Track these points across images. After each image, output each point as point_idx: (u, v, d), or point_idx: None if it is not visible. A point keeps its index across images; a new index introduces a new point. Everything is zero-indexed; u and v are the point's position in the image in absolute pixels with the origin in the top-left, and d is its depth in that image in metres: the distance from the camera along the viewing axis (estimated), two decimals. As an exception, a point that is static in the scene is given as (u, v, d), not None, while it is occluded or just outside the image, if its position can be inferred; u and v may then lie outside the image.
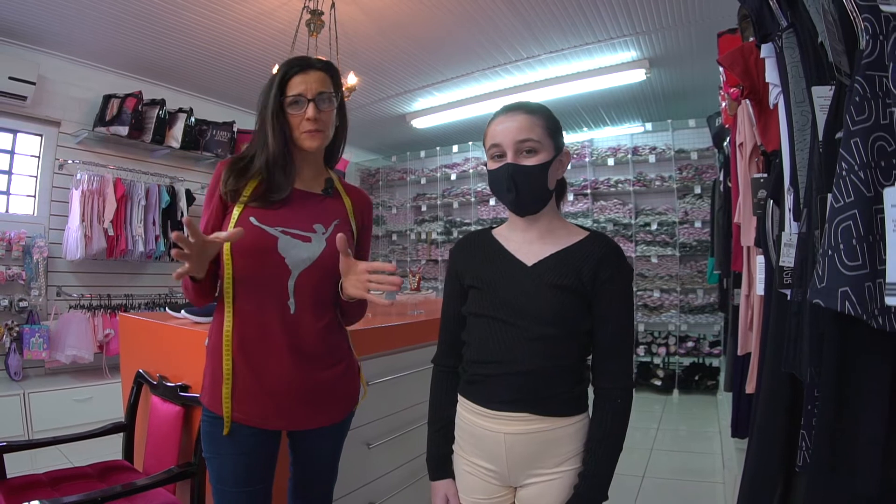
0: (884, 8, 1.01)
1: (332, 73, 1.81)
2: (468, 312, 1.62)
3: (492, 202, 8.37)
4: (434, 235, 8.98)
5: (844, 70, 1.21)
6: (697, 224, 7.09)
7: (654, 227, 7.36)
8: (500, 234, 1.67)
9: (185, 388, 2.53)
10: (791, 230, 1.69)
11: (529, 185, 1.53)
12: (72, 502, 2.06)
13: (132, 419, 2.91)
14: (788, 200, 1.70)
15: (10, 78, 5.13)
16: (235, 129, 6.79)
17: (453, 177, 8.85)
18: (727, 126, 4.70)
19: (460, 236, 8.51)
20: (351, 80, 4.91)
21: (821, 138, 1.30)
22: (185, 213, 6.21)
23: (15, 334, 5.19)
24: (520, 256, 1.59)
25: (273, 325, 1.70)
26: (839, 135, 1.16)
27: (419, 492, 3.02)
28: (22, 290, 5.34)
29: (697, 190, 7.15)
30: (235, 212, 1.69)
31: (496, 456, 1.54)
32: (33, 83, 5.28)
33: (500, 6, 4.91)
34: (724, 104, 4.61)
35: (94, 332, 5.58)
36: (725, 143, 3.95)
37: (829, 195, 1.11)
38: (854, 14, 1.08)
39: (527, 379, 1.50)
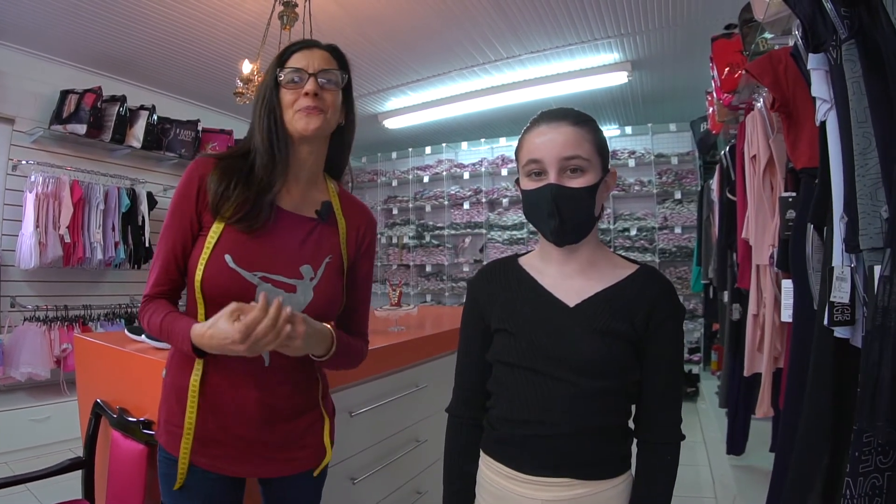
0: None
1: (339, 56, 1.59)
2: (496, 360, 1.40)
3: (465, 205, 8.27)
4: (406, 239, 8.86)
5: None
6: (677, 230, 7.03)
7: (633, 232, 7.27)
8: (530, 265, 1.46)
9: (148, 424, 2.26)
10: (843, 262, 1.54)
11: (575, 211, 1.31)
12: None
13: (91, 455, 2.66)
14: (840, 229, 1.54)
15: (-38, 73, 4.89)
16: (200, 128, 6.58)
17: (426, 179, 8.71)
18: (715, 132, 4.58)
19: (433, 241, 8.44)
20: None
21: None
22: (146, 218, 5.97)
23: (-34, 349, 4.91)
24: (559, 295, 1.37)
25: (245, 377, 1.47)
26: None
27: None
28: (-27, 300, 5.05)
29: (678, 195, 7.10)
30: (211, 236, 1.44)
31: None
32: (-14, 77, 5.02)
33: (485, 3, 4.77)
34: (711, 109, 4.49)
35: (51, 347, 5.31)
36: (725, 152, 3.82)
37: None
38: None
39: (571, 441, 1.30)
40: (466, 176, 8.37)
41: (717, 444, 4.39)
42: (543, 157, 1.31)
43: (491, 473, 1.40)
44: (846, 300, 1.52)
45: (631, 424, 1.41)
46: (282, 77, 1.48)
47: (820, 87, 1.61)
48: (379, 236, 8.77)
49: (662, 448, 1.35)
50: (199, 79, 6.44)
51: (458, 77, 6.56)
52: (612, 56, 5.87)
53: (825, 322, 1.59)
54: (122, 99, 5.88)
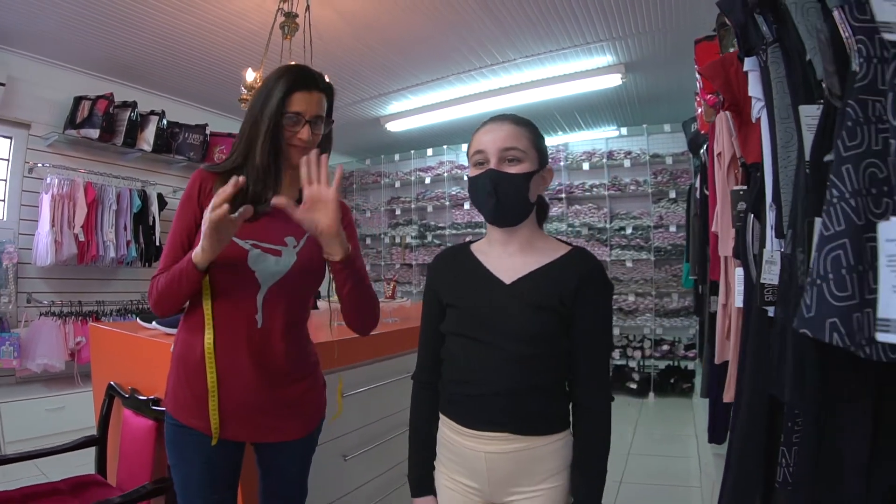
0: (886, 36, 1.00)
1: (330, 95, 1.83)
2: (446, 331, 1.60)
3: (466, 206, 8.38)
4: (408, 239, 8.97)
5: (836, 92, 1.20)
6: (672, 228, 7.14)
7: (628, 231, 7.40)
8: (478, 249, 1.66)
9: (157, 401, 2.49)
10: (772, 247, 1.70)
11: (511, 193, 1.51)
12: None
13: (104, 432, 2.87)
14: (770, 217, 1.70)
15: (-22, 79, 5.06)
16: (208, 132, 6.75)
17: (427, 180, 8.85)
18: (703, 132, 4.73)
19: (435, 240, 8.59)
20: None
21: (808, 158, 1.30)
22: (156, 218, 6.17)
23: (-16, 342, 5.09)
24: (498, 274, 1.57)
25: (239, 337, 1.68)
26: (829, 157, 1.15)
27: (397, 502, 3.02)
28: (-9, 296, 5.25)
29: (672, 194, 7.21)
30: None
31: (478, 474, 1.53)
32: (2, 84, 5.25)
33: (477, 10, 4.91)
34: (700, 110, 4.63)
35: (66, 340, 5.50)
36: (703, 150, 3.97)
37: (818, 221, 1.09)
38: (847, 35, 1.07)
39: (507, 400, 1.48)
40: (467, 177, 8.40)
41: (704, 435, 4.58)
42: (486, 147, 1.52)
43: (446, 429, 1.60)
44: (776, 282, 1.67)
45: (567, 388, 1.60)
46: (284, 119, 1.70)
47: (754, 87, 1.77)
48: (382, 236, 8.93)
49: (591, 411, 1.53)
50: (206, 84, 6.60)
51: (456, 81, 6.70)
52: (606, 59, 6.00)
53: (757, 303, 1.76)
54: (133, 104, 6.06)
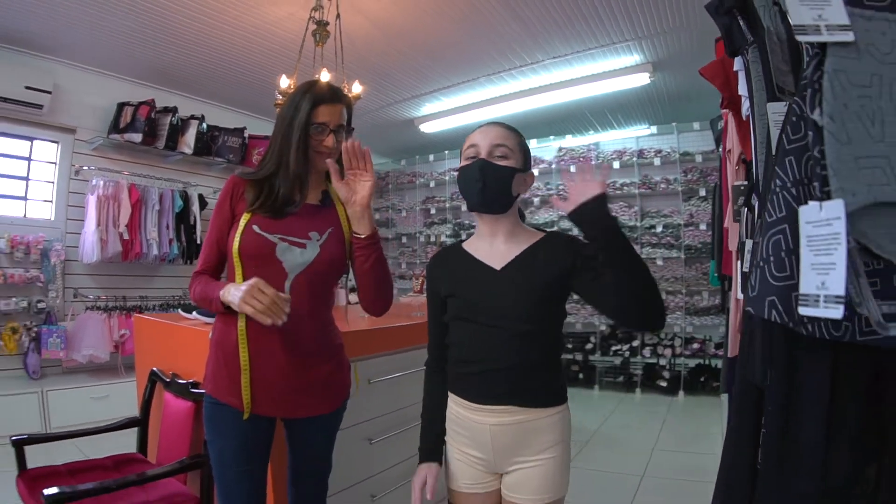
0: (799, 38, 1.10)
1: (349, 106, 2.01)
2: (449, 318, 1.75)
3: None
4: (443, 238, 9.04)
5: (789, 90, 1.29)
6: (702, 226, 7.16)
7: (659, 229, 7.44)
8: (468, 245, 1.82)
9: (196, 384, 2.68)
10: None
11: (496, 182, 1.66)
12: (87, 489, 2.22)
13: (146, 414, 3.07)
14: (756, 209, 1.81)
15: (27, 87, 5.32)
16: (247, 135, 6.97)
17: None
18: (727, 129, 4.78)
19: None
20: (356, 88, 5.05)
21: (774, 153, 1.40)
22: (197, 218, 6.43)
23: (33, 334, 5.38)
24: (489, 262, 1.72)
25: (271, 326, 1.84)
26: None
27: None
28: (40, 291, 5.52)
29: (702, 192, 7.22)
30: (242, 221, 1.86)
31: (483, 445, 1.66)
32: (49, 92, 5.46)
33: (503, 14, 5.03)
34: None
35: (110, 333, 5.76)
36: (719, 148, 4.05)
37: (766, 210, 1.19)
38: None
39: (507, 374, 1.62)
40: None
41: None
42: (479, 142, 1.69)
43: (454, 406, 1.74)
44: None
45: (559, 359, 1.75)
46: (312, 129, 1.89)
47: (742, 86, 1.86)
48: (418, 235, 9.07)
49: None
50: (243, 89, 6.82)
51: (486, 83, 6.82)
52: (633, 58, 6.06)
53: (740, 292, 1.85)
54: (174, 109, 6.32)
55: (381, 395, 2.95)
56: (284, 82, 4.70)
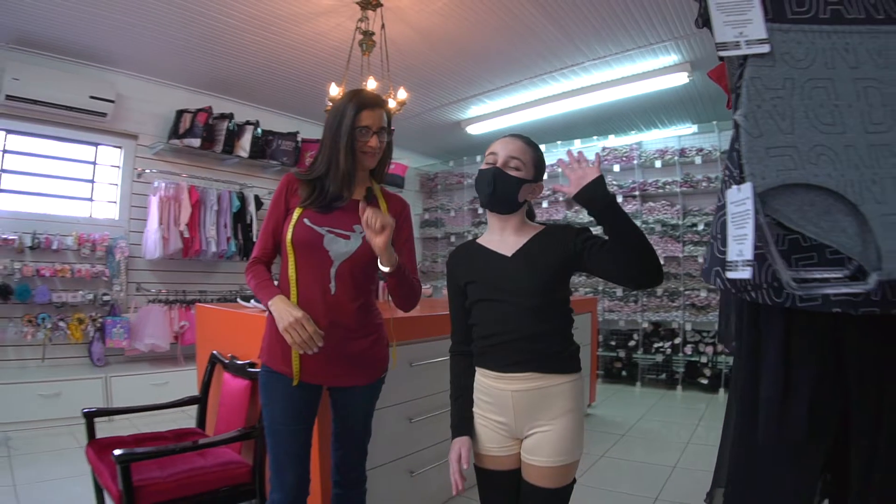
0: (720, 53, 1.32)
1: (388, 112, 2.26)
2: (472, 301, 1.97)
3: (545, 204, 8.59)
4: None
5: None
6: (743, 224, 7.11)
7: (700, 227, 7.46)
8: (482, 240, 2.05)
9: (252, 364, 2.96)
10: None
11: (504, 188, 1.90)
12: (150, 451, 2.53)
13: (206, 393, 3.37)
14: None
15: (92, 97, 5.71)
16: (300, 139, 7.26)
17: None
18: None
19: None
20: (401, 94, 5.32)
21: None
22: (253, 217, 6.76)
23: (98, 325, 5.76)
24: (500, 251, 1.96)
25: (317, 302, 2.11)
26: None
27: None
28: (105, 285, 5.91)
29: (744, 191, 7.18)
30: (295, 214, 2.15)
31: (506, 410, 1.87)
32: (112, 101, 5.86)
33: (540, 19, 5.20)
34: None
35: (171, 324, 6.10)
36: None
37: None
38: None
39: (524, 342, 1.84)
40: (545, 177, 8.58)
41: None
42: (498, 151, 1.93)
43: (481, 377, 1.96)
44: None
45: (570, 330, 1.95)
46: (357, 130, 2.15)
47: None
48: (466, 234, 9.29)
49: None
50: (296, 95, 7.13)
51: (529, 85, 6.99)
52: (671, 58, 6.14)
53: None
54: (230, 116, 6.65)
55: (421, 378, 3.18)
56: (334, 90, 4.98)
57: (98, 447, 2.88)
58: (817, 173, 1.22)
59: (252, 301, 3.35)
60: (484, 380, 1.94)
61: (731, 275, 1.22)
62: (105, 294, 5.86)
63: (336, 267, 2.14)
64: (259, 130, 6.93)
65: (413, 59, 6.08)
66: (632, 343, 7.80)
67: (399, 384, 2.98)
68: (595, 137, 8.34)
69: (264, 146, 7.06)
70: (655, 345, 7.64)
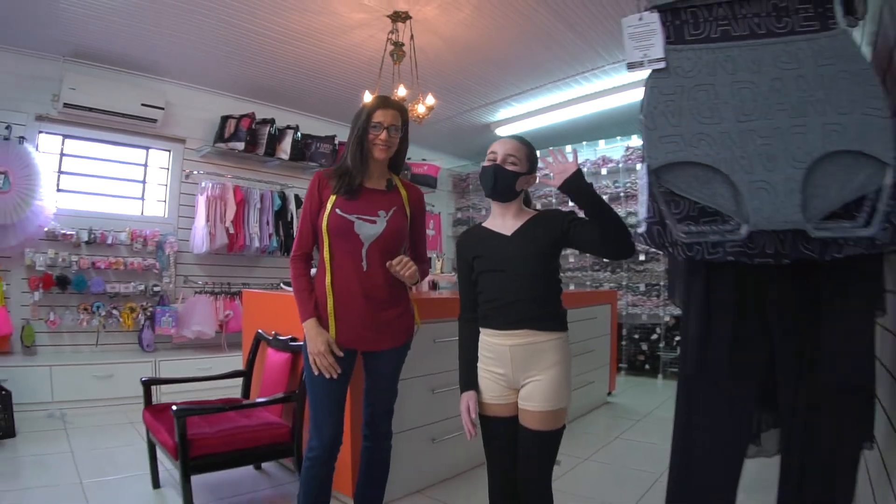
0: (630, 70, 1.73)
1: (403, 112, 2.63)
2: (478, 272, 2.32)
3: (570, 203, 8.70)
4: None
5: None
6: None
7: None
8: (486, 223, 2.40)
9: (294, 339, 3.36)
10: None
11: (503, 182, 2.26)
12: (201, 407, 2.95)
13: (250, 367, 3.75)
14: None
15: (143, 104, 6.13)
16: (337, 142, 7.59)
17: (536, 180, 9.20)
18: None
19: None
20: (429, 100, 5.70)
21: None
22: (294, 215, 7.16)
23: (148, 313, 6.19)
24: (501, 231, 2.32)
25: (352, 278, 2.50)
26: None
27: (474, 477, 3.72)
28: (155, 277, 6.36)
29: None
30: (329, 204, 2.51)
31: (504, 363, 2.22)
32: (162, 108, 6.29)
33: (557, 25, 5.46)
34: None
35: (216, 313, 6.49)
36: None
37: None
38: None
39: (520, 304, 2.19)
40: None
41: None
42: (497, 150, 2.29)
43: (484, 336, 2.31)
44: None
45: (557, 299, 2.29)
46: (370, 125, 2.53)
47: None
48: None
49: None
50: (333, 101, 7.50)
51: (553, 88, 7.25)
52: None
53: None
54: (272, 121, 7.06)
55: (443, 354, 3.49)
56: (367, 97, 5.33)
57: (154, 410, 3.32)
58: (697, 154, 1.62)
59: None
60: (487, 338, 2.28)
61: (639, 230, 1.59)
62: (155, 285, 6.29)
63: (366, 247, 2.51)
64: (299, 134, 7.25)
65: (441, 67, 6.40)
66: (654, 337, 7.97)
67: (423, 358, 3.33)
68: (619, 138, 8.49)
69: (304, 149, 7.41)
70: (677, 338, 7.70)
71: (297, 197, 7.33)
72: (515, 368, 2.20)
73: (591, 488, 3.66)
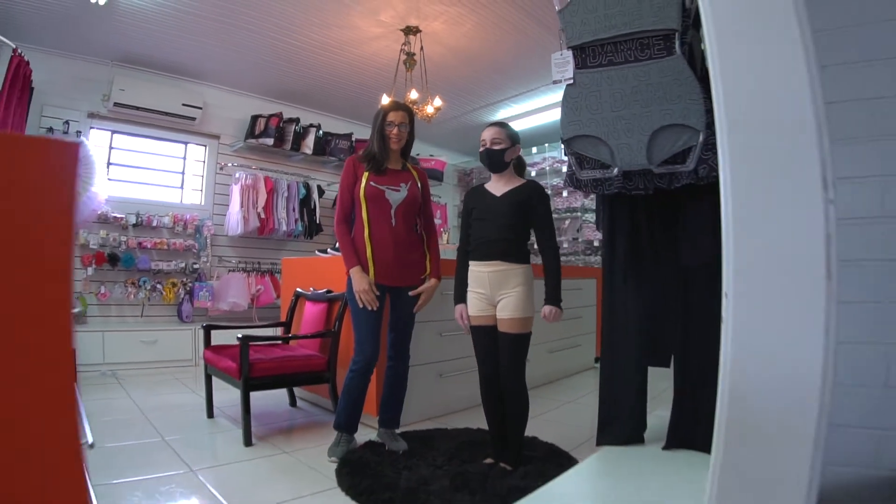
0: (554, 84, 2.56)
1: (410, 113, 3.44)
2: (473, 219, 3.13)
3: (564, 194, 9.15)
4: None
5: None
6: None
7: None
8: (486, 186, 3.19)
9: (329, 291, 4.09)
10: None
11: (495, 158, 3.06)
12: (260, 336, 3.72)
13: (290, 318, 4.47)
14: None
15: (183, 104, 6.84)
16: (354, 139, 8.26)
17: (533, 173, 9.53)
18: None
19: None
20: (437, 102, 6.45)
21: None
22: (317, 203, 7.83)
23: (188, 289, 6.89)
24: (494, 192, 3.11)
25: (385, 230, 3.30)
26: None
27: (474, 413, 4.25)
28: (194, 257, 7.04)
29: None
30: (364, 179, 3.30)
31: (484, 285, 3.04)
32: (200, 108, 7.02)
33: (548, 38, 6.04)
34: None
35: (249, 288, 7.12)
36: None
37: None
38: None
39: (497, 244, 3.01)
40: (565, 169, 8.71)
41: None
42: (485, 137, 3.09)
43: (473, 266, 3.11)
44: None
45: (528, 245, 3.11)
46: (386, 125, 3.35)
47: None
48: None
49: (546, 252, 3.04)
50: (351, 103, 8.16)
51: (546, 91, 7.85)
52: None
53: None
54: (297, 120, 7.74)
55: (450, 304, 3.83)
56: (385, 99, 6.06)
57: (213, 349, 4.03)
58: (589, 130, 2.56)
59: (329, 250, 4.48)
60: (473, 268, 3.09)
61: (585, 175, 2.45)
62: (194, 263, 6.95)
63: (394, 209, 3.31)
64: (321, 132, 8.05)
65: (447, 73, 7.09)
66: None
67: (433, 307, 3.89)
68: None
69: (325, 145, 8.14)
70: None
71: (319, 187, 7.96)
72: (492, 288, 3.00)
73: (570, 418, 4.30)
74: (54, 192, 1.12)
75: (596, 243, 8.59)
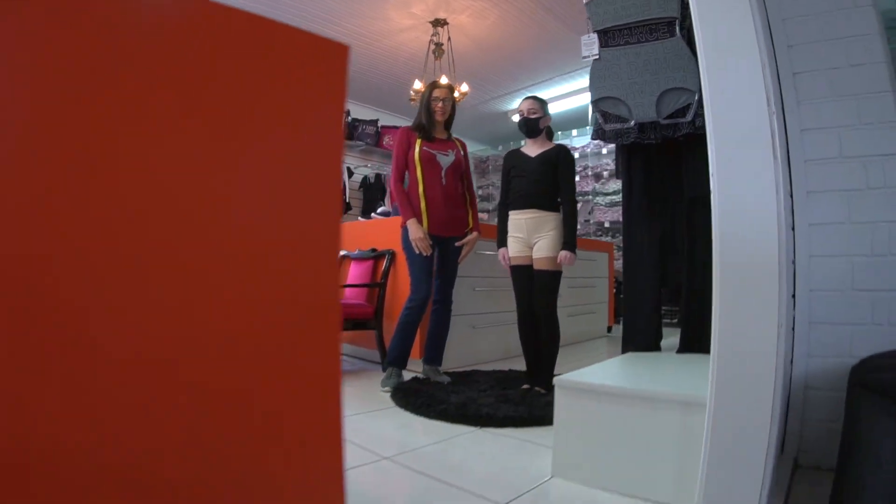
0: (584, 59, 3.10)
1: (451, 91, 3.92)
2: (511, 177, 3.62)
3: (577, 178, 9.26)
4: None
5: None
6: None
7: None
8: (523, 149, 3.68)
9: (374, 249, 4.59)
10: None
11: (531, 125, 3.53)
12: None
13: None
14: None
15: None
16: (379, 125, 8.74)
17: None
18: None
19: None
20: (464, 87, 6.95)
21: None
22: (346, 183, 8.31)
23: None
24: (529, 153, 3.59)
25: (436, 188, 3.77)
26: None
27: (505, 363, 4.62)
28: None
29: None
30: (417, 145, 3.78)
31: (522, 229, 3.51)
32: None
33: (565, 31, 6.70)
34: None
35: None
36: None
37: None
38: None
39: (533, 196, 3.48)
40: (577, 155, 9.42)
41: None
42: (523, 108, 3.54)
43: (511, 215, 3.58)
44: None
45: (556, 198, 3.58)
46: (432, 100, 3.83)
47: None
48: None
49: (565, 204, 3.52)
50: (378, 91, 8.66)
51: (560, 80, 8.47)
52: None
53: None
54: (329, 106, 8.30)
55: (483, 262, 4.63)
56: (417, 84, 6.70)
57: None
58: (611, 93, 3.07)
59: (372, 214, 4.96)
60: (512, 216, 3.57)
61: (610, 126, 3.01)
62: None
63: (444, 170, 3.78)
64: (349, 118, 8.57)
65: (470, 63, 7.58)
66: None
67: (470, 264, 4.36)
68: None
69: (352, 130, 8.63)
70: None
71: (348, 168, 8.54)
72: (529, 232, 3.48)
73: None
74: (330, 100, 0.94)
75: (607, 224, 9.07)
